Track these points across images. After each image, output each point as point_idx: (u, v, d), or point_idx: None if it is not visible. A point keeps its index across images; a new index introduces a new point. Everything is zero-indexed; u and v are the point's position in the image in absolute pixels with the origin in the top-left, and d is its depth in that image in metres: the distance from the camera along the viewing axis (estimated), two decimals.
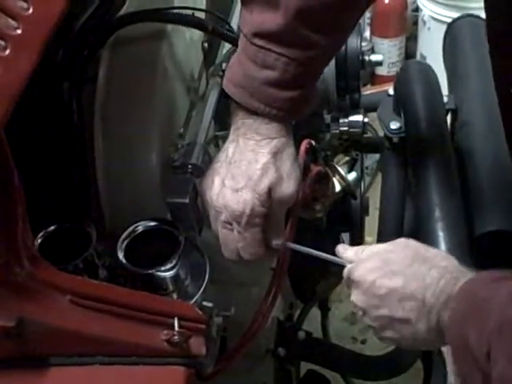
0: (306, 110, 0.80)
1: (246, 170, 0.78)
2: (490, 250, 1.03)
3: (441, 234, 0.99)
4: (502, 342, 0.58)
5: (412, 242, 0.74)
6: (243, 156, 0.78)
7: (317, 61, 0.77)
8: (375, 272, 0.72)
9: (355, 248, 0.79)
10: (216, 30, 0.92)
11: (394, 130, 1.23)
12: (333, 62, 1.25)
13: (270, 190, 0.78)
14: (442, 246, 0.98)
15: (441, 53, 1.52)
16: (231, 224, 0.79)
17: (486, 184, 1.10)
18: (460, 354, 0.64)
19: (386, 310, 0.71)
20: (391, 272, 0.71)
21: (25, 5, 0.61)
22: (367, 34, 2.76)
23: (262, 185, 0.77)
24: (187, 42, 1.01)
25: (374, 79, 2.82)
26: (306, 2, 0.71)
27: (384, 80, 2.73)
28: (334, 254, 0.84)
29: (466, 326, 0.63)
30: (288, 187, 0.80)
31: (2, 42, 0.59)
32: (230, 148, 0.80)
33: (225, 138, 1.20)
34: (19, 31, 0.60)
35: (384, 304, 0.71)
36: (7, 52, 0.59)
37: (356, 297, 0.75)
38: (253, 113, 0.77)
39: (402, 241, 0.75)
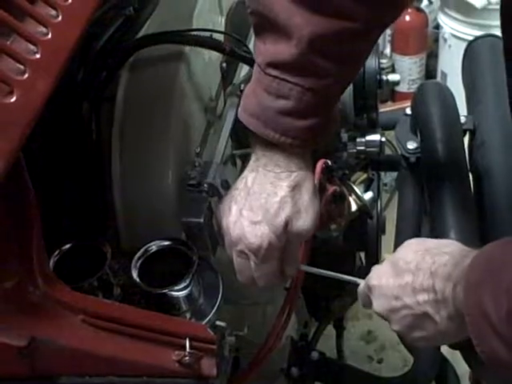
0: (322, 138, 0.80)
1: (265, 202, 0.78)
2: None
3: None
4: None
5: (414, 240, 0.76)
6: (262, 188, 0.78)
7: (332, 89, 0.76)
8: (386, 274, 0.74)
9: None
10: (234, 52, 0.93)
11: (411, 149, 1.23)
12: None
13: (286, 224, 0.78)
14: None
15: None
16: (247, 254, 0.80)
17: (502, 205, 1.09)
18: (478, 323, 0.61)
19: (405, 310, 0.72)
20: (400, 270, 0.72)
21: (44, 30, 0.63)
22: (388, 51, 2.76)
23: (279, 219, 0.77)
24: (205, 62, 1.02)
25: (395, 96, 2.81)
26: (318, 32, 0.70)
27: (404, 97, 2.72)
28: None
29: (481, 292, 0.61)
30: (305, 222, 0.79)
31: (21, 67, 0.60)
32: (249, 177, 0.80)
33: (242, 157, 1.21)
34: (38, 56, 0.61)
35: (401, 303, 0.72)
36: (26, 76, 0.60)
37: (376, 303, 0.77)
38: (272, 145, 0.77)
39: (406, 242, 0.76)
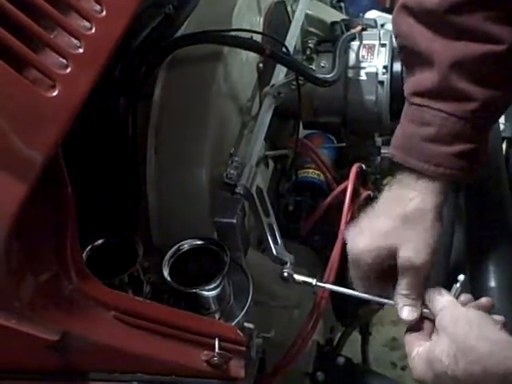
0: (468, 167, 0.75)
1: (377, 220, 0.77)
2: None
3: (491, 269, 0.96)
4: None
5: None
6: (384, 206, 0.78)
7: (479, 114, 0.73)
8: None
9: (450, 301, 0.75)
10: (273, 54, 0.92)
11: None
12: (387, 84, 1.25)
13: (392, 252, 0.76)
14: (492, 281, 0.95)
15: None
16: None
17: None
18: None
19: None
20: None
21: (88, 24, 0.63)
22: None
23: (380, 240, 0.76)
24: (243, 63, 1.02)
25: None
26: (458, 57, 0.70)
27: None
28: None
29: None
30: (414, 254, 0.75)
31: (64, 61, 0.60)
32: (377, 201, 0.80)
33: (274, 158, 1.21)
34: (81, 50, 0.61)
35: None
36: (68, 70, 0.60)
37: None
38: (408, 169, 0.76)
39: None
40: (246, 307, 0.85)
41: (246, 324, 0.84)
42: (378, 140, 1.31)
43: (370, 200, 1.18)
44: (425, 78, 0.73)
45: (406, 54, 0.76)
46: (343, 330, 1.40)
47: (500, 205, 1.06)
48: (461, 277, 0.77)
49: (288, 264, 0.91)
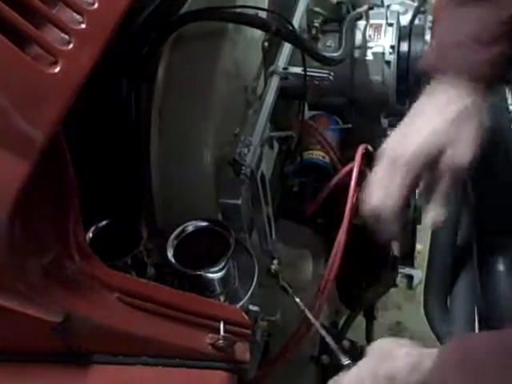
0: (495, 74, 0.77)
1: (422, 123, 0.77)
2: None
3: (499, 253, 0.95)
4: None
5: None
6: (425, 110, 0.78)
7: None
8: None
9: None
10: (279, 31, 0.90)
11: None
12: (394, 65, 1.23)
13: (441, 152, 0.75)
14: (500, 265, 0.94)
15: None
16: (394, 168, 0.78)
17: None
18: None
19: None
20: None
21: None
22: (428, 37, 2.69)
23: (432, 138, 0.75)
24: (247, 41, 1.00)
25: None
26: None
27: None
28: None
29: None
30: (463, 153, 0.75)
31: (66, 37, 0.58)
32: (412, 109, 0.80)
33: (279, 140, 1.19)
34: (83, 26, 0.60)
35: None
36: (70, 46, 0.58)
37: None
38: (443, 76, 0.77)
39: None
40: (251, 290, 0.84)
41: (251, 307, 0.84)
42: (384, 121, 1.30)
43: None
44: None
45: None
46: (348, 314, 1.40)
47: (508, 188, 1.05)
48: None
49: (276, 260, 0.92)
